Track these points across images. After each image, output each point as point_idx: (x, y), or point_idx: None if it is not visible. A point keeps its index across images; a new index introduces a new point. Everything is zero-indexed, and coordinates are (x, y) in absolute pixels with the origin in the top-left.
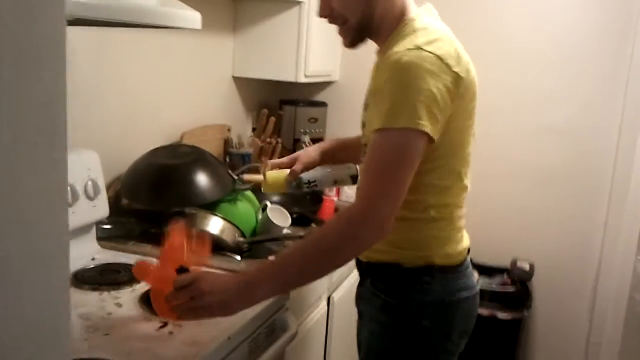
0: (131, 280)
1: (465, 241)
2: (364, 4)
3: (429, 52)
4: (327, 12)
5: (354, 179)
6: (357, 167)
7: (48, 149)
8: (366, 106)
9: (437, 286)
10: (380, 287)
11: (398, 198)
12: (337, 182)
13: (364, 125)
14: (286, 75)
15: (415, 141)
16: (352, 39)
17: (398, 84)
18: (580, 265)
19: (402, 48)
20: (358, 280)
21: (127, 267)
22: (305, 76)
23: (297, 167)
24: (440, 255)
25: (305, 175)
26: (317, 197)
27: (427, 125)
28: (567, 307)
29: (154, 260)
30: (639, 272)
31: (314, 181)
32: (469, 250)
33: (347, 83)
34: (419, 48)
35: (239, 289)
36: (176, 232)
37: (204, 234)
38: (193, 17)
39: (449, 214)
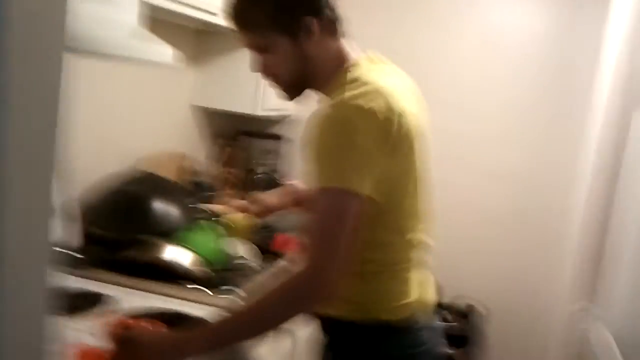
0: (88, 307)
1: (414, 294)
2: (299, 60)
3: (356, 105)
4: (260, 68)
5: None
6: None
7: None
8: None
9: (388, 342)
10: (333, 346)
11: (342, 259)
12: (297, 229)
13: None
14: (245, 107)
15: (349, 201)
16: (288, 91)
17: (325, 142)
18: (529, 310)
19: (329, 103)
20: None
21: (85, 294)
22: (263, 110)
23: (259, 212)
24: (387, 310)
25: (265, 221)
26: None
27: (356, 185)
28: (518, 346)
29: None
30: (578, 319)
31: (272, 227)
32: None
33: (302, 117)
34: (345, 103)
35: (172, 345)
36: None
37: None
38: (168, 54)
39: (391, 268)
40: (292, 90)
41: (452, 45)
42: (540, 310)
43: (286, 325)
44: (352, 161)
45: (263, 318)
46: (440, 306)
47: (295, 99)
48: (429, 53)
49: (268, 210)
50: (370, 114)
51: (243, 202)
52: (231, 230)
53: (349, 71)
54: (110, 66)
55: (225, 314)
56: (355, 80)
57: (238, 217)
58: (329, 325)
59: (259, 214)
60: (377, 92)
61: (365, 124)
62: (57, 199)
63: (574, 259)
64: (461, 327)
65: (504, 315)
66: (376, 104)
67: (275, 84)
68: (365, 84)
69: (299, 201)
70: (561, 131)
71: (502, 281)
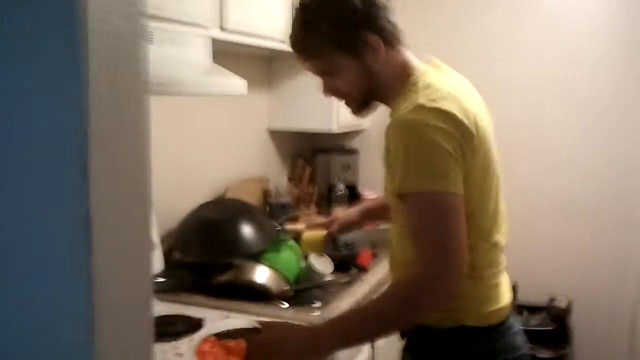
0: (187, 331)
1: (504, 300)
2: (366, 77)
3: (435, 109)
4: (332, 91)
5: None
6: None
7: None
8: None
9: (474, 349)
10: (415, 350)
11: (457, 258)
12: (372, 242)
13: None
14: (320, 125)
15: (446, 200)
16: (359, 108)
17: (409, 147)
18: (618, 298)
19: (405, 110)
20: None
21: (182, 318)
22: (338, 126)
23: (334, 228)
24: (474, 316)
25: (343, 237)
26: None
27: (451, 184)
28: (606, 340)
29: None
30: None
31: (351, 243)
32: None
33: (377, 129)
34: (422, 107)
35: (305, 344)
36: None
37: (238, 342)
38: (240, 85)
39: (478, 273)
40: (363, 106)
41: (516, 32)
42: (627, 303)
43: (407, 325)
44: (441, 162)
45: (381, 316)
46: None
47: (366, 114)
48: (490, 44)
49: (346, 226)
50: (449, 116)
51: (321, 219)
52: (304, 246)
53: (420, 80)
54: (189, 100)
55: (347, 313)
56: (427, 87)
57: (313, 234)
58: (412, 332)
59: (337, 231)
60: (451, 96)
61: (446, 126)
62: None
63: None
64: (555, 328)
65: (594, 314)
66: (453, 107)
67: (346, 103)
68: (438, 90)
69: (376, 214)
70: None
71: (592, 279)
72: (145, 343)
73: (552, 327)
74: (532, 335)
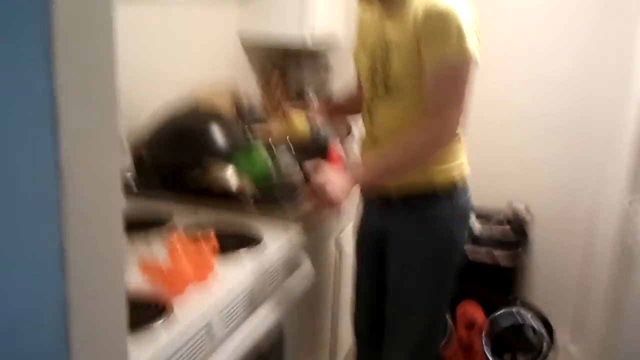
0: (156, 225)
1: (463, 158)
2: None
3: (450, 5)
4: None
5: (348, 131)
6: (351, 123)
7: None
8: (373, 53)
9: (458, 198)
10: (415, 209)
11: (461, 115)
12: (337, 131)
13: (372, 72)
14: (291, 29)
15: (470, 69)
16: None
17: (450, 24)
18: (575, 207)
19: (430, 2)
20: (374, 209)
21: (151, 213)
22: (309, 30)
23: (314, 115)
24: (457, 167)
25: (318, 121)
26: (323, 150)
27: (476, 53)
28: (562, 246)
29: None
30: (628, 214)
31: (324, 126)
32: None
33: (347, 35)
34: (441, 1)
35: (350, 182)
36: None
37: (207, 231)
38: None
39: (461, 133)
40: None
41: None
42: (589, 210)
43: (426, 161)
44: (472, 36)
45: (409, 160)
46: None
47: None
48: None
49: (323, 112)
50: (462, 11)
51: (301, 104)
52: (291, 128)
53: None
54: (159, 5)
55: (381, 157)
56: None
57: (299, 115)
58: (407, 192)
59: (317, 115)
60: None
61: (463, 16)
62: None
63: (628, 152)
64: (511, 232)
65: (552, 219)
66: (462, 8)
67: None
68: None
69: (341, 110)
70: (615, 34)
71: (550, 186)
72: (116, 235)
73: (510, 229)
74: (491, 238)
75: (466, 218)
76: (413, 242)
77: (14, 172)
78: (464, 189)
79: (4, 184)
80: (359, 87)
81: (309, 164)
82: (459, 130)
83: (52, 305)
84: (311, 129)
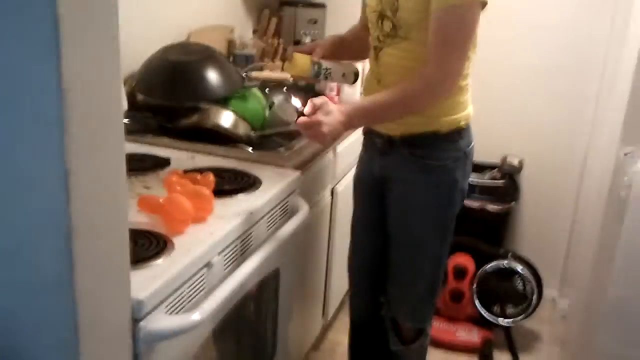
0: (154, 168)
1: (469, 108)
2: None
3: None
4: None
5: (355, 77)
6: (357, 66)
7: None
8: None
9: (461, 142)
10: (419, 154)
11: (464, 64)
12: (344, 76)
13: (380, 14)
14: None
15: (477, 13)
16: None
17: None
18: (567, 161)
19: None
20: (376, 154)
21: (148, 156)
22: None
23: (318, 53)
24: (464, 117)
25: (324, 63)
26: (318, 95)
27: None
28: (553, 200)
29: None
30: (621, 164)
31: (330, 69)
32: None
33: None
34: None
35: (343, 122)
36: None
37: (206, 175)
38: None
39: (467, 81)
40: None
41: None
42: (582, 163)
43: (421, 110)
44: None
45: (405, 106)
46: (483, 165)
47: None
48: None
49: (326, 53)
50: None
51: (303, 47)
52: (293, 66)
53: None
54: None
55: (375, 98)
56: None
57: (302, 56)
58: (411, 140)
59: (320, 56)
60: None
61: None
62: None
63: (624, 103)
64: (504, 184)
65: (545, 172)
66: None
67: None
68: None
69: (342, 51)
70: None
71: (544, 139)
72: (118, 163)
73: (503, 182)
74: (484, 190)
75: (469, 163)
76: (417, 187)
77: (21, 96)
78: (468, 135)
79: (10, 107)
80: (365, 29)
81: (315, 100)
82: (465, 81)
83: (57, 229)
84: (316, 70)
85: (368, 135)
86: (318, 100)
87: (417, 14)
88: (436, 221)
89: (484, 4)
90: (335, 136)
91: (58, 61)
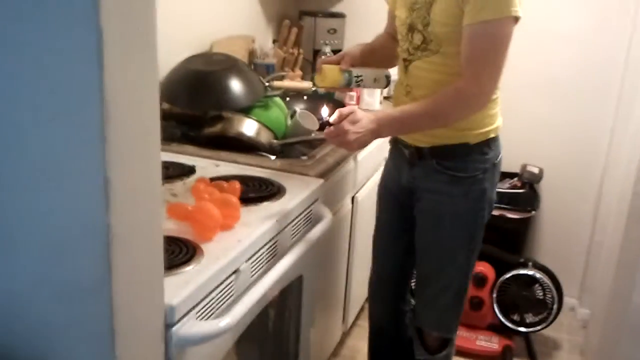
0: (180, 175)
1: (499, 121)
2: None
3: None
4: None
5: (387, 80)
6: (389, 70)
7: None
8: (412, 8)
9: (491, 154)
10: (448, 165)
11: (499, 79)
12: (376, 81)
13: (410, 27)
14: None
15: (510, 28)
16: None
17: None
18: (587, 170)
19: None
20: (403, 164)
21: (174, 164)
22: None
23: (347, 61)
24: (494, 130)
25: (354, 70)
26: (338, 105)
27: (518, 10)
28: (572, 208)
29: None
30: None
31: (361, 76)
32: None
33: None
34: None
35: (373, 130)
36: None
37: (232, 183)
38: None
39: (497, 94)
40: None
41: None
42: (602, 173)
43: (452, 123)
44: None
45: (436, 119)
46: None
47: None
48: None
49: (355, 61)
50: None
51: (332, 57)
52: (323, 78)
53: None
54: None
55: (406, 108)
56: None
57: (331, 66)
58: (440, 152)
59: (349, 64)
60: None
61: None
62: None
63: None
64: (523, 193)
65: (564, 181)
66: None
67: None
68: None
69: (371, 58)
70: None
71: (563, 148)
72: (154, 169)
73: (523, 191)
74: (504, 198)
75: (497, 174)
76: (446, 198)
77: (65, 106)
78: (497, 147)
79: (54, 116)
80: (392, 38)
81: (343, 109)
82: (496, 95)
83: (96, 235)
84: (348, 78)
85: (396, 144)
86: (346, 109)
87: (449, 28)
88: (465, 232)
89: (516, 19)
90: (363, 144)
91: (100, 72)
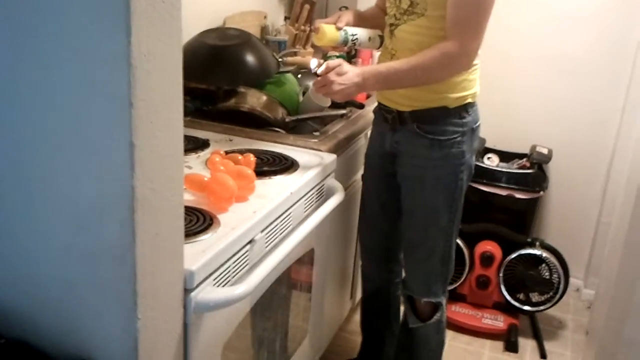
0: (196, 148)
1: (477, 87)
2: None
3: None
4: None
5: (381, 40)
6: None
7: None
8: None
9: (469, 118)
10: (427, 129)
11: (481, 41)
12: (370, 40)
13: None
14: None
15: None
16: None
17: None
18: (596, 151)
19: None
20: (386, 130)
21: (188, 138)
22: None
23: (342, 21)
24: (472, 95)
25: (350, 29)
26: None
27: None
28: (581, 190)
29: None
30: None
31: (356, 34)
32: None
33: None
34: None
35: (357, 83)
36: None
37: (246, 155)
38: None
39: (477, 61)
40: None
41: None
42: (611, 154)
43: (436, 81)
44: None
45: (420, 76)
46: (513, 154)
47: None
48: None
49: (350, 21)
50: None
51: (328, 19)
52: (321, 36)
53: None
54: None
55: (392, 64)
56: None
57: (329, 26)
58: (420, 116)
59: (345, 24)
60: None
61: None
62: None
63: None
64: (531, 173)
65: (573, 161)
66: None
67: None
68: None
69: (366, 21)
70: None
71: (572, 129)
72: (176, 137)
73: (532, 171)
74: (512, 178)
75: (475, 141)
76: (426, 161)
77: (92, 72)
78: (475, 113)
79: (82, 82)
80: (381, 10)
81: (330, 62)
82: (477, 61)
83: (122, 200)
84: (344, 36)
85: (379, 111)
86: (333, 62)
87: None
88: (446, 194)
89: None
90: (347, 95)
91: (128, 38)
